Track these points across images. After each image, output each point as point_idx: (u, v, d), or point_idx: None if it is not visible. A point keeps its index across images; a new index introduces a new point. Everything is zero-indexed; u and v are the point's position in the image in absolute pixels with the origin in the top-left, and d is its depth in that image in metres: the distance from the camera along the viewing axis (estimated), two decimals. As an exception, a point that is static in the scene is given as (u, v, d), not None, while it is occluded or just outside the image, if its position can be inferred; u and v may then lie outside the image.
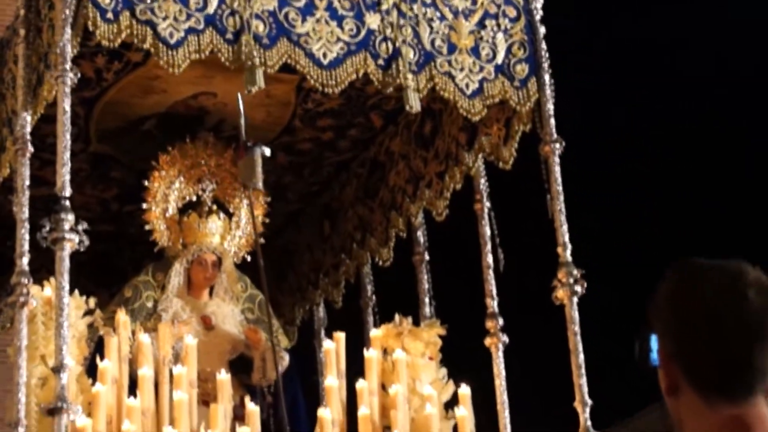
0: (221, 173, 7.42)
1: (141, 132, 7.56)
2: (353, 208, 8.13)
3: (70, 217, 5.65)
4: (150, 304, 7.15)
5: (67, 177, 5.74)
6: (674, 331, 2.14)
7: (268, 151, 6.77)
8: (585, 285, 6.35)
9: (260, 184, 6.74)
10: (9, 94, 6.62)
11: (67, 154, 5.78)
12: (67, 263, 5.62)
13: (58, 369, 5.42)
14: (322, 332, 8.41)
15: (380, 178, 7.91)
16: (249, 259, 7.49)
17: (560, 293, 6.36)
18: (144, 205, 7.40)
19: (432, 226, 7.65)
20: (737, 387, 2.08)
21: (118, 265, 8.53)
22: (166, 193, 7.32)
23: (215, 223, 7.29)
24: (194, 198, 7.37)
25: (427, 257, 7.65)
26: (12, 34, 6.65)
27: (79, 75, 5.93)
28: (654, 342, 2.18)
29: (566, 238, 6.45)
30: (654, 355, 2.18)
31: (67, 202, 5.69)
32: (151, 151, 7.53)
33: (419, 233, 7.70)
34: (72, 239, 5.63)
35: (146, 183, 7.37)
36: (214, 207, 7.34)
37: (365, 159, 8.04)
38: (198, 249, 7.23)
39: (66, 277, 5.61)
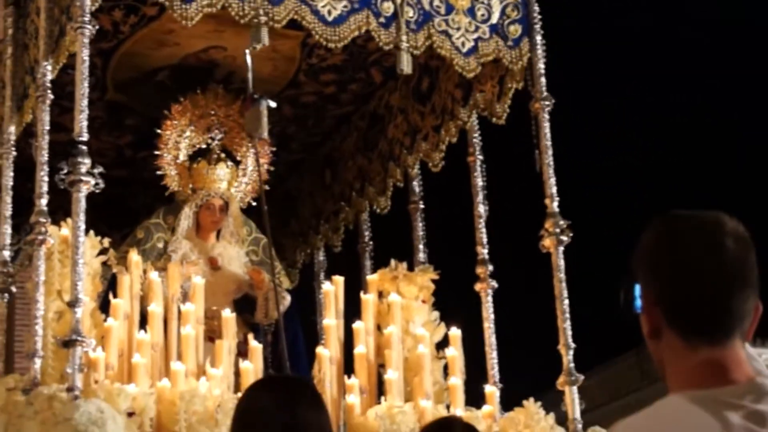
0: (229, 123, 7.40)
1: (154, 82, 7.53)
2: (353, 158, 8.11)
3: (87, 161, 5.63)
4: (161, 245, 7.15)
5: (85, 123, 5.72)
6: (657, 279, 2.14)
7: (273, 104, 6.73)
8: (570, 235, 6.36)
9: (265, 134, 6.71)
10: (32, 44, 6.58)
11: (85, 101, 5.75)
12: (83, 204, 5.60)
13: (73, 303, 5.42)
14: (322, 275, 8.42)
15: (379, 130, 7.90)
16: (254, 204, 7.48)
17: (547, 242, 6.38)
18: (156, 152, 7.37)
19: (427, 176, 7.64)
20: (716, 331, 2.08)
21: (132, 208, 8.50)
22: (177, 140, 7.30)
23: (223, 170, 7.27)
24: (204, 146, 7.35)
25: (422, 206, 7.65)
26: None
27: (97, 27, 5.90)
28: (637, 290, 2.18)
29: (554, 190, 6.45)
30: (637, 303, 2.18)
31: (84, 147, 5.66)
32: (163, 101, 7.50)
33: (415, 183, 7.72)
34: (88, 181, 5.62)
35: (159, 131, 7.34)
36: (222, 155, 7.32)
37: (365, 112, 8.02)
38: (206, 194, 7.21)
39: (82, 217, 5.60)
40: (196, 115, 7.33)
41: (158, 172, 7.37)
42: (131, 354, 5.94)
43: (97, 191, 5.72)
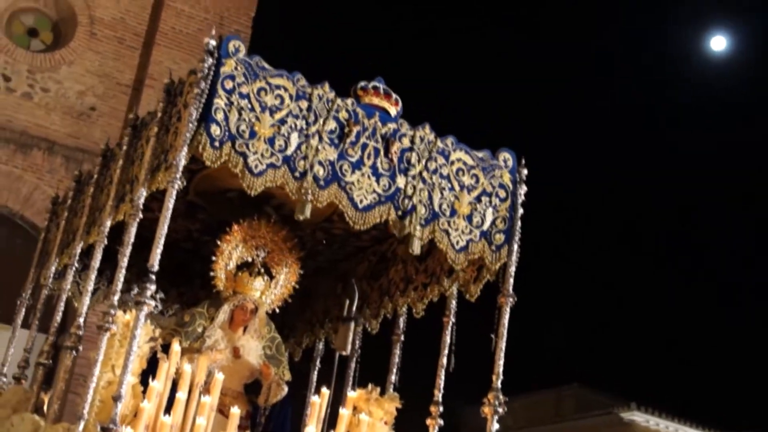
0: (273, 245, 7.37)
1: (225, 197, 7.51)
2: (360, 282, 8.06)
3: (153, 287, 5.61)
4: (200, 330, 7.13)
5: (158, 256, 5.68)
6: None
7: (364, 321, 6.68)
8: (506, 409, 6.32)
9: (348, 350, 6.64)
10: (137, 163, 6.56)
11: (162, 240, 5.72)
12: (143, 320, 5.58)
13: (116, 398, 5.40)
14: (318, 360, 8.38)
15: (384, 268, 7.86)
16: (278, 310, 7.47)
17: (486, 410, 6.33)
18: (213, 258, 7.33)
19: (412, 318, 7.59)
20: None
21: (190, 273, 8.53)
22: (230, 252, 7.27)
23: (259, 282, 7.26)
24: (249, 260, 7.32)
25: (402, 338, 7.60)
26: (150, 120, 6.58)
27: (184, 183, 5.90)
28: None
29: (500, 370, 6.40)
30: None
31: (153, 276, 5.63)
32: (229, 210, 7.49)
33: (401, 320, 7.65)
34: (150, 304, 5.59)
35: (219, 242, 7.31)
36: (262, 270, 7.30)
37: (377, 251, 7.98)
38: (243, 298, 7.21)
39: (140, 327, 5.58)
40: (249, 235, 7.31)
41: (211, 274, 7.32)
42: (155, 430, 5.91)
43: (155, 312, 5.68)
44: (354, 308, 6.94)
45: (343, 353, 6.73)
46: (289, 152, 6.04)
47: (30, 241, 13.59)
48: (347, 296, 7.08)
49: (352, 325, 6.67)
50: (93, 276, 6.65)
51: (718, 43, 21.80)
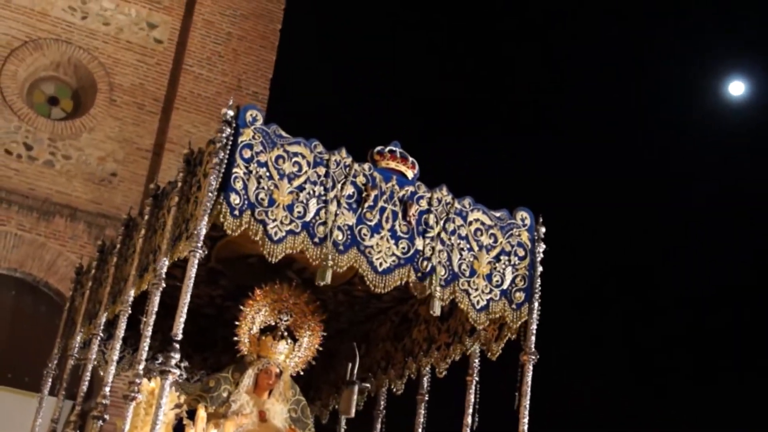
0: (296, 309, 7.44)
1: (246, 263, 7.60)
2: (383, 342, 8.12)
3: (177, 356, 5.68)
4: (225, 395, 7.18)
5: (182, 325, 5.75)
6: None
7: (367, 385, 6.78)
8: (531, 468, 6.34)
9: (352, 413, 6.72)
10: (159, 232, 6.68)
11: (186, 309, 5.79)
12: (167, 389, 5.64)
13: (144, 468, 5.47)
14: (344, 421, 8.42)
15: (406, 329, 7.91)
16: (302, 373, 7.53)
17: (511, 468, 6.35)
18: (236, 323, 7.41)
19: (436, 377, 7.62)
20: None
21: (213, 338, 8.60)
22: (254, 317, 7.34)
23: (283, 346, 7.32)
24: (272, 323, 7.39)
25: (427, 398, 7.64)
26: (171, 189, 6.71)
27: (206, 252, 6.00)
28: None
29: (525, 428, 6.41)
30: None
31: (177, 344, 5.70)
32: (250, 275, 7.57)
33: (425, 379, 7.70)
34: (175, 372, 5.66)
35: (242, 307, 7.39)
36: (285, 333, 7.36)
37: (399, 311, 8.04)
38: (267, 362, 7.26)
39: (165, 396, 5.64)
40: (271, 299, 7.37)
41: (234, 338, 7.39)
42: (181, 497, 5.98)
43: (180, 381, 5.76)
44: (356, 371, 6.98)
45: (350, 415, 6.76)
46: (308, 218, 6.14)
47: (54, 307, 13.78)
48: (349, 360, 7.14)
49: (356, 388, 6.71)
50: (118, 346, 6.75)
51: (737, 88, 21.91)
